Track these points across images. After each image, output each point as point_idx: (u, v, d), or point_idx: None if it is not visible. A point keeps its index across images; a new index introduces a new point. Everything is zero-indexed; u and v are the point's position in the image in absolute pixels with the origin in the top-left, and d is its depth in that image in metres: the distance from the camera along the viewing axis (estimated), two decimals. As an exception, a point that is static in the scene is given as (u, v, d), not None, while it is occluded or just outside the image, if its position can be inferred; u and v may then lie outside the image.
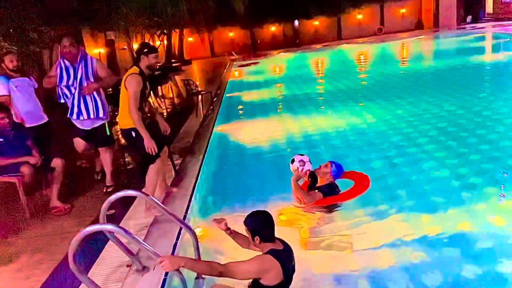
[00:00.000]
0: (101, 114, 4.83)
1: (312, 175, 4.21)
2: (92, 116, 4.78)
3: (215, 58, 30.80)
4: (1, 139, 4.49)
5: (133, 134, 3.99)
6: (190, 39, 31.03)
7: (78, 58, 4.71)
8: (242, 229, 2.70)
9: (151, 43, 23.54)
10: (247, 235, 2.57)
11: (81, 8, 12.19)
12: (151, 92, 4.44)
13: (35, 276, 3.28)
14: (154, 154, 4.00)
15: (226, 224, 2.83)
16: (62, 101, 4.82)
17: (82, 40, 17.22)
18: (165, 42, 25.27)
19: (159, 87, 14.57)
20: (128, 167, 5.83)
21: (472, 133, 5.97)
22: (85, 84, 4.70)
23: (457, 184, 4.38)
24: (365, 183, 4.13)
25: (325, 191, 4.00)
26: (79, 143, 4.98)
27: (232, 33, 32.74)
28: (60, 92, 4.78)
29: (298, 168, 4.04)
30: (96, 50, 18.76)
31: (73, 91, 4.71)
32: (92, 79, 4.75)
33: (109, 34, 19.32)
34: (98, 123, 4.92)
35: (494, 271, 2.96)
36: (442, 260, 3.13)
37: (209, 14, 23.27)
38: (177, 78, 18.36)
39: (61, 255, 3.50)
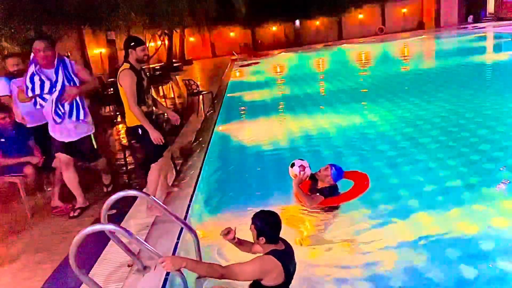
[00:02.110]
0: (81, 117, 4.30)
1: (312, 177, 4.20)
2: (74, 118, 4.25)
3: (216, 58, 30.84)
4: (3, 139, 4.51)
5: (140, 131, 3.96)
6: (191, 39, 31.08)
7: (55, 62, 4.18)
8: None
9: (153, 41, 23.38)
10: (252, 233, 2.53)
11: (82, 7, 12.21)
12: (151, 88, 4.34)
13: (36, 276, 3.29)
14: (157, 147, 3.98)
15: (234, 233, 2.74)
16: (39, 107, 4.27)
17: (83, 40, 17.27)
18: (166, 42, 25.30)
19: (160, 87, 14.62)
20: (130, 167, 5.83)
21: (473, 133, 5.96)
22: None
23: (458, 184, 4.37)
24: (365, 182, 4.12)
25: (326, 193, 3.99)
26: (64, 158, 4.35)
27: (233, 33, 32.77)
28: (38, 102, 4.22)
29: (299, 172, 4.03)
30: (97, 50, 18.80)
31: (52, 98, 4.16)
32: (77, 83, 4.27)
33: (110, 34, 19.36)
34: (83, 133, 4.38)
35: (494, 271, 2.96)
36: (443, 260, 3.13)
37: (210, 14, 23.28)
38: (178, 78, 18.39)
39: (63, 255, 3.51)
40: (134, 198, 4.39)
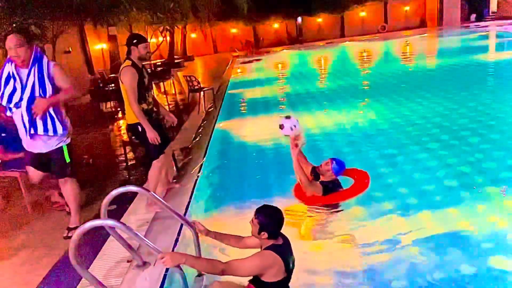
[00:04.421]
0: (59, 131, 3.66)
1: (314, 172, 4.21)
2: (47, 132, 3.62)
3: (218, 55, 30.80)
4: (4, 134, 4.51)
5: (140, 128, 3.97)
6: (193, 35, 31.04)
7: (31, 61, 3.54)
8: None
9: (155, 37, 23.38)
10: (253, 226, 2.48)
11: (83, 3, 12.19)
12: (153, 85, 4.31)
13: (36, 271, 3.30)
14: (158, 144, 3.99)
15: (204, 227, 2.75)
16: (10, 114, 3.71)
17: (84, 35, 17.25)
18: (168, 38, 25.28)
19: (161, 83, 14.61)
20: (130, 163, 5.84)
21: (474, 132, 5.95)
22: (37, 93, 3.54)
23: (458, 183, 4.37)
24: (365, 180, 4.12)
25: (328, 187, 3.99)
26: (34, 173, 3.87)
27: (235, 30, 32.72)
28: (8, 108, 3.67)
29: (291, 130, 3.88)
30: (98, 46, 18.79)
31: (23, 103, 3.54)
32: (49, 86, 3.58)
33: (112, 30, 19.33)
34: (53, 145, 3.73)
35: (494, 270, 2.96)
36: (443, 259, 3.13)
37: (212, 10, 23.26)
38: (180, 74, 18.37)
39: (62, 250, 3.52)
40: (134, 194, 4.39)
